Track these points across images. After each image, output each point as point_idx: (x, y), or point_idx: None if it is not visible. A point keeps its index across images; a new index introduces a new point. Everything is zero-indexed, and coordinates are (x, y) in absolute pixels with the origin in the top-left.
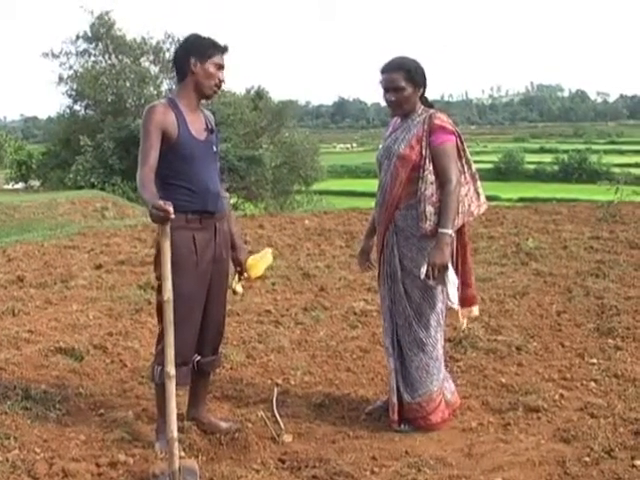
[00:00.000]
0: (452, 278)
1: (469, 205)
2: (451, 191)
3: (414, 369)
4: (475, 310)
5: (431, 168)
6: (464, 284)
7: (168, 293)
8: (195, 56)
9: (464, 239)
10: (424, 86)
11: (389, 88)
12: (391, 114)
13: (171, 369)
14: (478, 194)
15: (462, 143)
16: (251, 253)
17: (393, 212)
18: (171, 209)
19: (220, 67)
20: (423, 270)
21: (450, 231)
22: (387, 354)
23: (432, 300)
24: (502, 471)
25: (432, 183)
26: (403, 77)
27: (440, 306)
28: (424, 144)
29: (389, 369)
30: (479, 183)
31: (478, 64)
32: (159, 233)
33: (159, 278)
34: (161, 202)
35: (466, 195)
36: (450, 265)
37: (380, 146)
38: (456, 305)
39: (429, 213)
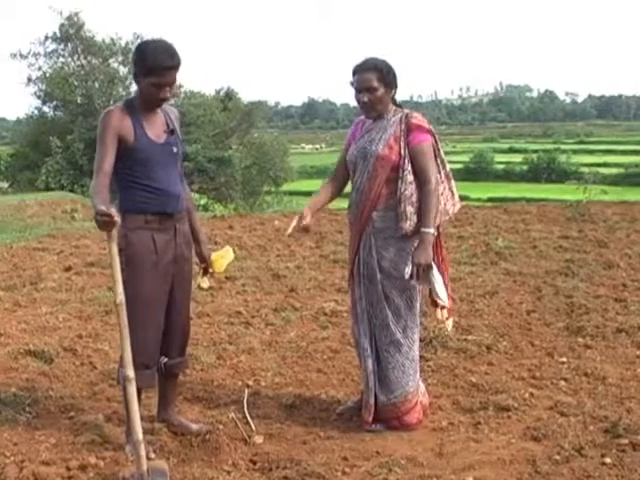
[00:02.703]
0: (437, 277)
1: (445, 204)
2: (431, 190)
3: (390, 370)
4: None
5: (410, 168)
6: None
7: (120, 296)
8: (138, 71)
9: (440, 239)
10: (396, 87)
11: (362, 88)
12: (364, 115)
13: (130, 372)
14: (452, 193)
15: (437, 142)
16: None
17: (370, 213)
18: (114, 213)
19: (159, 86)
20: (408, 270)
21: (433, 230)
22: (364, 355)
23: (410, 301)
24: (473, 470)
25: (411, 183)
26: (376, 77)
27: (417, 307)
28: (402, 144)
29: (366, 370)
30: (453, 182)
31: (447, 65)
32: (106, 237)
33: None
34: (104, 207)
35: (442, 194)
36: (434, 264)
37: (351, 147)
38: (446, 302)
39: (409, 213)
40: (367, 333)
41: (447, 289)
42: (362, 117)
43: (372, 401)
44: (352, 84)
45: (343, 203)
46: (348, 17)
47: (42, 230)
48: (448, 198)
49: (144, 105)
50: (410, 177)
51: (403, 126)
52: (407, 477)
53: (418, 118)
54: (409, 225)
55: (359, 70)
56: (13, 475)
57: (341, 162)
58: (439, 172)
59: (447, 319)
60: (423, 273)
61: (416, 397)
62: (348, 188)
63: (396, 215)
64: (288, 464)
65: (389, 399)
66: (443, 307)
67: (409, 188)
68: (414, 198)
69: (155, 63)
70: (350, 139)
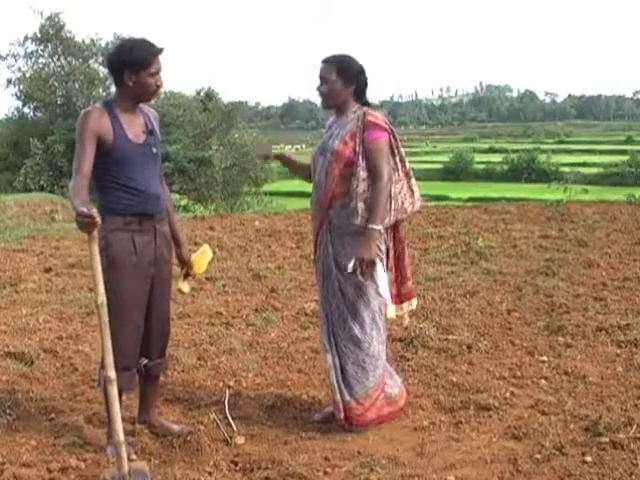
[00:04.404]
0: (381, 274)
1: (402, 202)
2: (382, 187)
3: (350, 365)
4: (414, 303)
5: (364, 165)
6: (404, 278)
7: (101, 297)
8: (129, 70)
9: (401, 235)
10: (356, 85)
11: (320, 78)
12: (322, 106)
13: (111, 373)
14: (412, 191)
15: (396, 140)
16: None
17: (327, 210)
18: (95, 214)
19: (156, 73)
20: (350, 265)
21: (379, 227)
22: (324, 350)
23: (366, 298)
24: (454, 469)
25: (364, 180)
26: (335, 70)
27: (375, 304)
28: (358, 140)
29: (327, 366)
30: (413, 180)
31: (428, 65)
32: (87, 238)
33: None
34: (85, 208)
35: (399, 192)
36: (378, 261)
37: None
38: (389, 300)
39: (361, 209)
40: (325, 329)
41: (409, 282)
42: (333, 116)
43: (338, 397)
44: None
45: None
46: (332, 17)
47: (22, 231)
48: (407, 197)
49: (137, 101)
50: (363, 174)
51: (360, 123)
52: (388, 477)
53: (375, 115)
54: (361, 221)
55: (323, 61)
56: None
57: None
58: (397, 170)
59: (402, 313)
60: (366, 269)
61: (377, 392)
62: None
63: (349, 211)
64: (269, 465)
65: (351, 395)
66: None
67: (362, 185)
68: (367, 195)
69: (147, 53)
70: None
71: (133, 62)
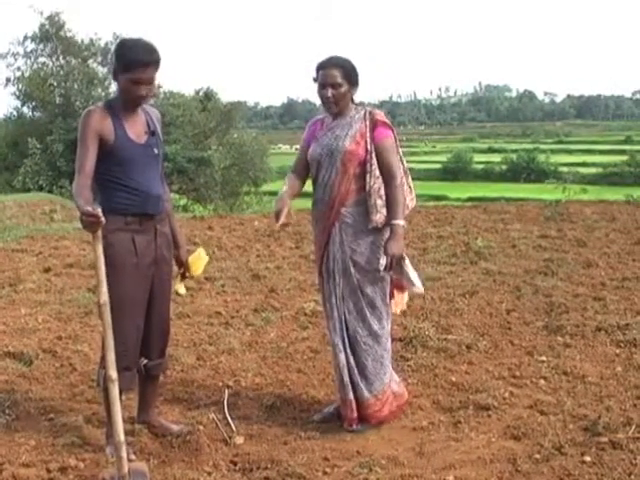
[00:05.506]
0: (410, 266)
1: (404, 198)
2: (398, 184)
3: (370, 362)
4: (406, 297)
5: (376, 162)
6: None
7: (104, 296)
8: (117, 67)
9: None
10: (357, 86)
11: (327, 84)
12: (327, 110)
13: (112, 373)
14: (410, 188)
15: (396, 140)
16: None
17: (339, 208)
18: (100, 213)
19: (137, 82)
20: (383, 262)
21: (402, 222)
22: (337, 351)
23: (382, 293)
24: (453, 469)
25: (378, 177)
26: (341, 74)
27: (387, 298)
28: (368, 139)
29: (340, 366)
30: (410, 178)
31: (426, 65)
32: (92, 238)
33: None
34: (90, 208)
35: None
36: (405, 255)
37: (313, 145)
38: (422, 289)
39: (379, 206)
40: (337, 329)
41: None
42: (320, 117)
43: (351, 396)
44: (315, 80)
45: None
46: (332, 17)
47: (21, 231)
48: (407, 193)
49: (124, 104)
50: (377, 171)
51: (368, 122)
52: (388, 477)
53: (381, 114)
54: (379, 217)
55: (325, 66)
56: None
57: (300, 161)
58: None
59: (401, 303)
60: (396, 265)
61: (390, 387)
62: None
63: (365, 209)
64: (269, 464)
65: (370, 392)
66: (419, 294)
67: (377, 182)
68: (382, 191)
69: (133, 59)
70: (308, 138)
71: (120, 62)
